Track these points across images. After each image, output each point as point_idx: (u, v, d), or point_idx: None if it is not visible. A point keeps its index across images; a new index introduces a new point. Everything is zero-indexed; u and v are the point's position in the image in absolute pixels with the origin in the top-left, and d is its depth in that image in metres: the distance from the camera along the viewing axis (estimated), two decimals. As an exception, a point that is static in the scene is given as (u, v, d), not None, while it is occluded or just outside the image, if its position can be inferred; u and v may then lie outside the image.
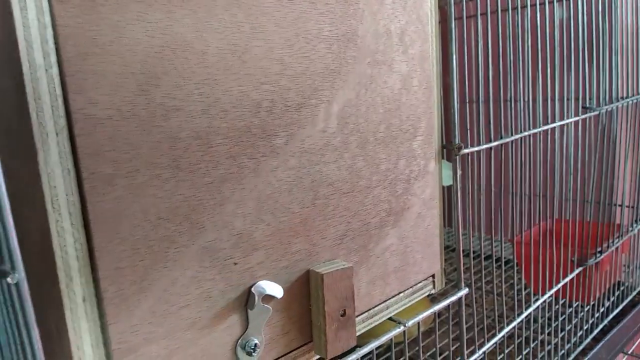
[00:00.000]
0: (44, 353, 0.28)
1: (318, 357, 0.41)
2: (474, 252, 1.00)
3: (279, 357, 0.38)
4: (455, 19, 0.51)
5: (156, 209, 0.30)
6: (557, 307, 0.82)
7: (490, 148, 0.58)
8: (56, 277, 0.28)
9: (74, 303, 0.28)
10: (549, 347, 0.75)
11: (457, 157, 0.52)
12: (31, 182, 0.27)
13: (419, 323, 0.49)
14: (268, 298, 0.36)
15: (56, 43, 0.26)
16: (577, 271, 0.78)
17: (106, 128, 0.28)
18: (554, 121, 0.67)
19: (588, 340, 0.82)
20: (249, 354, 0.36)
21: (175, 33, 0.30)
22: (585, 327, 0.82)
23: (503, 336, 0.64)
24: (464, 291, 0.54)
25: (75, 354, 0.29)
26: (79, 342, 0.29)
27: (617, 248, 0.85)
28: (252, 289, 0.35)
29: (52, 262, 0.28)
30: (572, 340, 0.79)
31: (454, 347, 0.75)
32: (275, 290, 0.36)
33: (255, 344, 0.36)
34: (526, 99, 0.61)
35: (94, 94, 0.27)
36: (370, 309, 0.45)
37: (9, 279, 0.26)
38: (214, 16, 0.31)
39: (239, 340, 0.35)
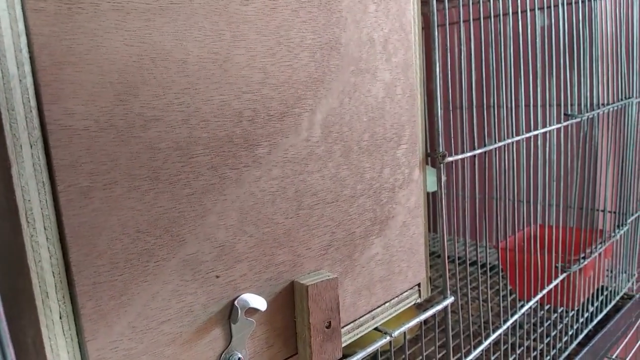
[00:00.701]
0: (19, 372, 0.27)
1: (303, 369, 0.40)
2: (459, 258, 1.00)
3: (263, 371, 0.38)
4: (438, 26, 0.51)
5: (135, 221, 0.29)
6: (542, 313, 0.82)
7: (474, 156, 0.58)
8: (32, 293, 0.27)
9: (51, 320, 0.27)
10: (535, 353, 0.75)
11: (442, 164, 0.52)
12: (5, 195, 0.26)
13: (405, 333, 0.48)
14: (252, 311, 0.35)
15: (30, 52, 0.25)
16: (561, 277, 0.78)
17: (83, 139, 0.27)
18: (536, 128, 0.67)
19: (573, 345, 0.83)
20: (233, 368, 0.35)
21: (155, 42, 0.29)
22: (570, 333, 0.83)
23: (489, 343, 0.64)
24: (449, 300, 0.54)
25: (52, 372, 0.28)
26: (56, 359, 0.28)
27: (600, 253, 0.86)
28: (235, 302, 0.35)
29: (27, 278, 0.27)
30: (558, 346, 0.79)
31: (440, 355, 0.74)
32: (259, 302, 0.36)
33: (239, 358, 0.35)
34: (509, 106, 0.62)
35: (71, 104, 0.26)
36: (355, 320, 0.44)
37: (-19, 296, 0.25)
38: (194, 24, 0.31)
39: (222, 355, 0.35)
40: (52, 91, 0.26)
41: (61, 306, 0.27)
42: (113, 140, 0.28)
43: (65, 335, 0.28)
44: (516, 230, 0.75)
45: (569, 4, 0.71)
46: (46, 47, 0.25)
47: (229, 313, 0.35)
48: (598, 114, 0.81)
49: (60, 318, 0.28)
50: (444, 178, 0.55)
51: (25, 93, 0.25)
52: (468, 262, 0.65)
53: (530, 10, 0.64)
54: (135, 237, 0.29)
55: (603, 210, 0.89)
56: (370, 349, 0.44)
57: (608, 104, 0.84)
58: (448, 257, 0.55)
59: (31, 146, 0.26)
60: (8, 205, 0.26)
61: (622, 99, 0.88)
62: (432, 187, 0.56)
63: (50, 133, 0.26)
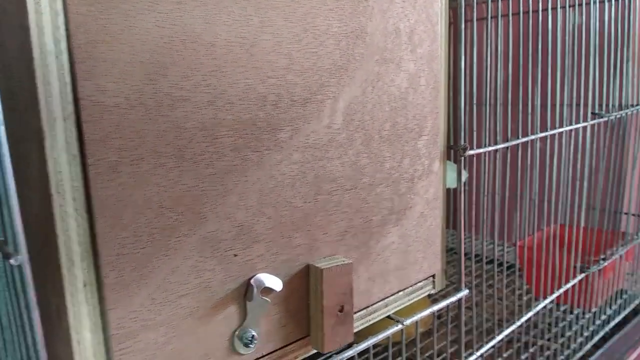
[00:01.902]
0: (44, 335, 0.28)
1: (315, 351, 0.41)
2: (476, 256, 1.00)
3: (275, 350, 0.39)
4: (466, 21, 0.51)
5: (159, 197, 0.30)
6: (558, 313, 0.81)
7: (497, 150, 0.58)
8: (58, 261, 0.28)
9: (75, 287, 0.29)
10: (548, 352, 0.75)
11: (463, 157, 0.52)
12: (38, 166, 0.28)
13: (417, 324, 0.49)
14: (267, 291, 0.36)
15: (67, 30, 0.26)
16: (579, 277, 0.78)
17: (113, 116, 0.28)
18: (562, 126, 0.67)
19: (588, 346, 0.82)
20: (246, 345, 0.36)
21: (185, 24, 0.30)
22: (585, 334, 0.82)
23: (502, 340, 0.64)
24: (464, 292, 0.54)
25: (74, 337, 0.29)
26: (78, 326, 0.29)
27: (621, 256, 0.85)
28: (252, 281, 0.36)
29: (54, 246, 0.28)
30: (572, 347, 0.79)
31: (452, 349, 0.75)
32: (275, 283, 0.37)
33: (253, 336, 0.36)
34: (535, 103, 0.61)
35: (103, 81, 0.27)
36: (368, 306, 0.45)
37: (11, 261, 0.27)
38: (223, 8, 0.31)
39: (237, 331, 0.36)
40: (86, 68, 0.27)
41: (85, 275, 0.29)
42: (142, 118, 0.29)
43: (88, 303, 0.29)
44: (535, 229, 0.74)
45: (601, 2, 0.70)
46: (82, 26, 0.26)
47: (245, 291, 0.36)
48: (627, 114, 0.80)
49: (84, 286, 0.29)
50: (465, 174, 0.55)
51: (60, 69, 0.26)
52: (485, 260, 0.65)
53: (561, 7, 0.63)
54: (159, 213, 0.31)
55: (627, 213, 0.88)
56: (382, 336, 0.45)
57: (637, 105, 0.83)
58: (465, 254, 0.55)
59: (64, 120, 0.27)
60: (40, 175, 0.28)
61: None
62: (452, 183, 0.57)
63: (82, 108, 0.27)
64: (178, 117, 0.30)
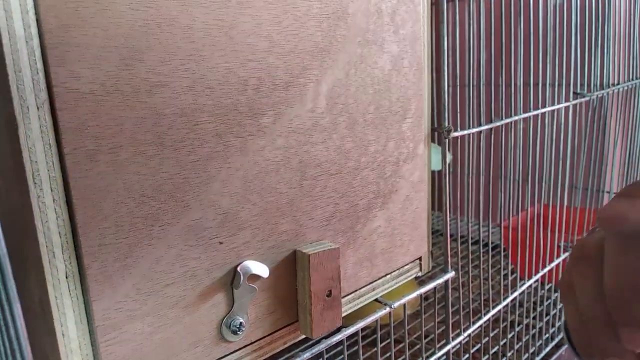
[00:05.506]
0: (27, 329, 0.28)
1: (303, 336, 0.41)
2: (462, 237, 1.00)
3: (264, 336, 0.38)
4: (448, 1, 0.50)
5: (140, 186, 0.30)
6: (542, 292, 0.82)
7: (481, 132, 0.58)
8: (38, 253, 0.27)
9: (57, 279, 0.28)
10: (534, 330, 0.76)
11: (447, 140, 0.52)
12: (13, 156, 0.27)
13: (405, 306, 0.49)
14: (254, 277, 0.36)
15: (37, 14, 0.25)
16: (563, 256, 0.79)
17: (89, 103, 0.27)
18: (544, 106, 0.67)
19: (572, 324, 0.83)
20: (234, 332, 0.36)
21: (160, 7, 0.29)
22: (570, 312, 0.83)
23: (488, 319, 0.64)
24: (450, 274, 0.54)
25: (59, 330, 0.29)
26: (62, 318, 0.29)
27: (603, 234, 0.86)
28: (238, 268, 0.35)
29: (34, 238, 0.27)
30: (557, 325, 0.80)
31: (440, 330, 0.75)
32: (261, 269, 0.36)
33: (241, 323, 0.36)
34: (517, 84, 0.61)
35: (76, 67, 0.27)
36: (356, 290, 0.45)
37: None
38: (200, -10, 0.31)
39: (224, 319, 0.35)
40: (59, 54, 0.26)
41: (67, 266, 0.28)
42: (119, 105, 0.28)
43: (72, 294, 0.29)
44: (519, 209, 0.75)
45: (583, -20, 0.70)
46: (52, 9, 0.26)
47: (232, 279, 0.35)
48: (608, 93, 0.80)
49: (67, 278, 0.28)
50: (450, 156, 0.55)
51: (32, 55, 0.25)
52: (470, 241, 0.66)
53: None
54: (140, 201, 0.30)
55: (609, 192, 0.89)
56: (370, 319, 0.45)
57: (619, 84, 0.83)
58: (451, 236, 0.55)
59: (38, 108, 0.26)
60: (15, 166, 0.27)
61: (633, 79, 0.87)
62: (436, 165, 0.56)
63: (56, 95, 0.26)
64: (156, 103, 0.30)
